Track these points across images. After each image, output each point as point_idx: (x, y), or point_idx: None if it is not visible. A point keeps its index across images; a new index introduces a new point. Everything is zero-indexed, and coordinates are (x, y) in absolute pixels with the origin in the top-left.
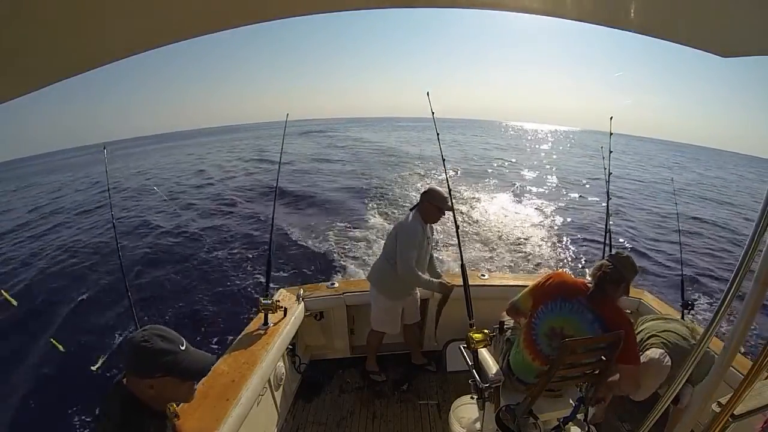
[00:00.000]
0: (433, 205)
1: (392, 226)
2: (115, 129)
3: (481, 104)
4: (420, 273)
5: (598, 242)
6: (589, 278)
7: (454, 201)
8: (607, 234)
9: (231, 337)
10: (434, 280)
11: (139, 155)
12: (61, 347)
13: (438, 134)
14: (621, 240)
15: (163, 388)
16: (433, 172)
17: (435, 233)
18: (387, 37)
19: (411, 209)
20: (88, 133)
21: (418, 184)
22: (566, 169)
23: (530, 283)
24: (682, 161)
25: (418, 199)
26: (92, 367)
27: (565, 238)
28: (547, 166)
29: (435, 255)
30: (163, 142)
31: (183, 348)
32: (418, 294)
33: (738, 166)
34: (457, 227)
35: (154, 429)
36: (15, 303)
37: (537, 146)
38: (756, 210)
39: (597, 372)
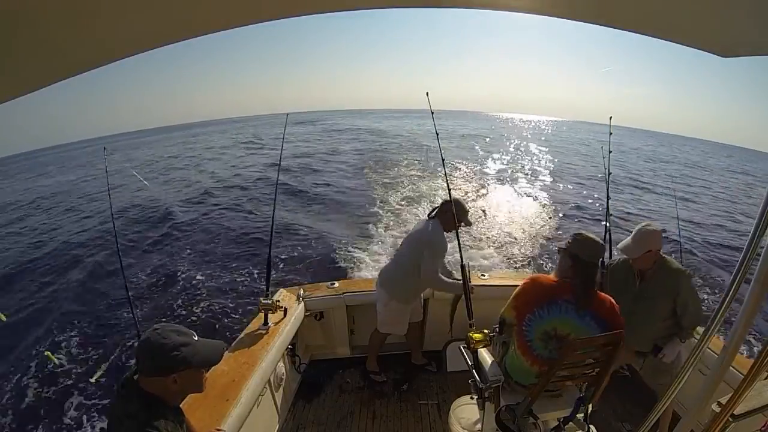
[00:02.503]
0: (456, 217)
1: (409, 233)
2: (104, 124)
3: (466, 96)
4: (444, 278)
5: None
6: (557, 271)
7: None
8: (607, 233)
9: (231, 337)
10: (457, 282)
11: (134, 150)
12: (55, 360)
13: (438, 134)
14: (620, 240)
15: (185, 381)
16: (428, 165)
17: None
18: (370, 29)
19: (429, 216)
20: (82, 127)
21: (417, 180)
22: (563, 164)
23: None
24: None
25: (438, 205)
26: (91, 379)
27: (563, 238)
28: (541, 161)
29: None
30: (159, 134)
31: (196, 339)
32: (421, 294)
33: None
34: (470, 222)
35: (175, 424)
36: (4, 318)
37: (527, 137)
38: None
39: (597, 371)
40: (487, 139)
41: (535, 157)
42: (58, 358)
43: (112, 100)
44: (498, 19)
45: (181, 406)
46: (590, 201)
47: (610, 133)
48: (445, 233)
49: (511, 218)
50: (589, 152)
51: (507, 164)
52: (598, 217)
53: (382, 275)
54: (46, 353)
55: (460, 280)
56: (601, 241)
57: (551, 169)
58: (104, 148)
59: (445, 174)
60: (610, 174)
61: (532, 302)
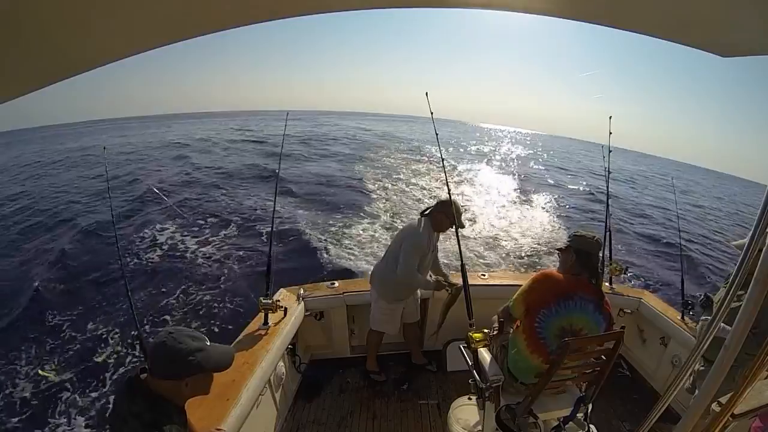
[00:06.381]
0: (448, 218)
1: (399, 230)
2: (95, 108)
3: (446, 105)
4: (418, 274)
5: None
6: (560, 269)
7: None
8: (608, 233)
9: (231, 337)
10: (430, 279)
11: (131, 137)
12: (51, 375)
13: (437, 134)
14: (621, 239)
15: (196, 385)
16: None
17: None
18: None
19: (421, 214)
20: (87, 108)
21: (417, 180)
22: (557, 169)
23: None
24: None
25: (432, 204)
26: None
27: (561, 239)
28: (537, 166)
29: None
30: (153, 122)
31: (209, 344)
32: (419, 294)
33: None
34: (457, 228)
35: (180, 426)
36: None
37: (519, 147)
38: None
39: (597, 370)
40: (479, 148)
41: (527, 165)
42: (52, 372)
43: (108, 86)
44: (472, 25)
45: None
46: (588, 201)
47: (610, 133)
48: (435, 233)
49: (510, 220)
50: (583, 159)
51: (503, 171)
52: (597, 217)
53: (372, 273)
54: (39, 372)
55: (456, 283)
56: (598, 235)
57: (546, 175)
58: (104, 148)
59: (445, 174)
60: (610, 173)
61: (547, 297)
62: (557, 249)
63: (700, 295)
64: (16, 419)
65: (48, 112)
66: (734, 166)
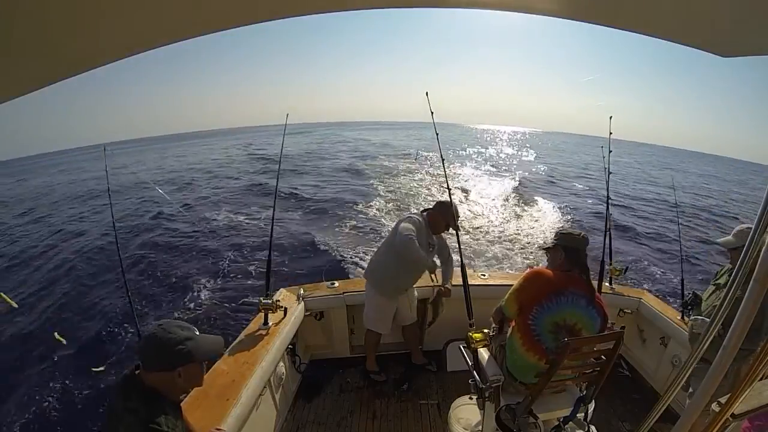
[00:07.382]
0: (443, 219)
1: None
2: (112, 130)
3: (440, 108)
4: (416, 244)
5: (598, 236)
6: (549, 267)
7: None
8: (607, 233)
9: (231, 337)
10: (427, 258)
11: (137, 155)
12: (63, 340)
13: (437, 134)
14: (621, 239)
15: (189, 375)
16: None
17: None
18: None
19: (422, 212)
20: (87, 133)
21: (416, 181)
22: (557, 170)
23: None
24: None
25: (433, 205)
26: (94, 369)
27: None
28: (536, 165)
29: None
30: (160, 143)
31: (197, 333)
32: (416, 293)
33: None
34: (457, 228)
35: (174, 420)
36: (16, 305)
37: (517, 148)
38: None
39: (597, 370)
40: (475, 150)
41: (526, 165)
42: (66, 338)
43: (107, 105)
44: (473, 26)
45: (181, 405)
46: (588, 200)
47: (610, 133)
48: (431, 234)
49: (510, 220)
50: (579, 158)
51: (502, 172)
52: (597, 220)
53: (367, 266)
54: (55, 335)
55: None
56: (584, 232)
57: (546, 174)
58: (104, 149)
59: (446, 176)
60: (610, 173)
61: (539, 294)
62: (544, 249)
63: (689, 293)
64: (14, 413)
65: (42, 138)
66: (725, 150)
